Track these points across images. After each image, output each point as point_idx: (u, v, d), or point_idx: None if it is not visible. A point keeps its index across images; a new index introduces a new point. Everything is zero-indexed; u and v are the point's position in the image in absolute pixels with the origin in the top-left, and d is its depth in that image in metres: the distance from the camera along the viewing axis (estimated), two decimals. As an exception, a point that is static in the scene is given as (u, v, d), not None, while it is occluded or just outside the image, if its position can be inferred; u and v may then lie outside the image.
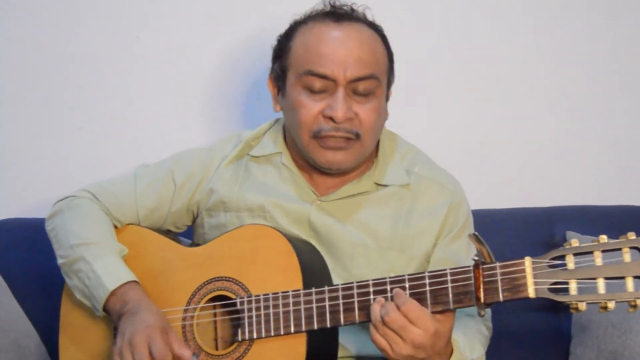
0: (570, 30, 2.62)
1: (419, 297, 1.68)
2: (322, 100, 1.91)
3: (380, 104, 1.95)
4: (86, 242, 1.93)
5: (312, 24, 1.95)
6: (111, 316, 1.89)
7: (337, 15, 1.95)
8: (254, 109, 2.58)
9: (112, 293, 1.86)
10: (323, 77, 1.89)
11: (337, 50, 1.89)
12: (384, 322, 1.66)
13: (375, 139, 1.97)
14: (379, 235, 1.96)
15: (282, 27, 2.03)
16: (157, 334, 1.76)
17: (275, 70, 1.99)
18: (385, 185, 2.00)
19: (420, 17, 2.58)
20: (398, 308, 1.66)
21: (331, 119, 1.89)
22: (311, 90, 1.91)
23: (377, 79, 1.92)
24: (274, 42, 2.03)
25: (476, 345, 1.87)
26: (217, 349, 1.88)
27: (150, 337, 1.76)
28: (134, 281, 1.88)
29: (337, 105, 1.88)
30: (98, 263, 1.89)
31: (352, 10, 1.97)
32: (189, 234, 2.14)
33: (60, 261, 1.97)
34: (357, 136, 1.92)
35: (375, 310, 1.68)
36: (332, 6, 1.97)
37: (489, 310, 1.95)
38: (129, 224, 2.05)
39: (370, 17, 1.98)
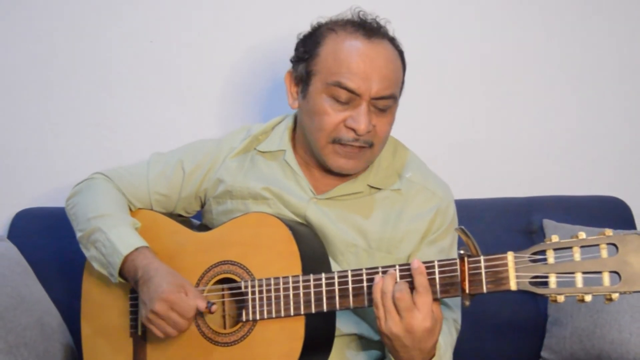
0: (544, 34, 2.62)
1: (409, 286, 1.64)
2: (346, 111, 1.85)
3: (394, 117, 1.91)
4: (102, 215, 1.92)
5: (343, 35, 1.87)
6: (128, 282, 1.88)
7: (367, 30, 1.86)
8: (261, 108, 2.56)
9: (125, 259, 1.85)
10: (350, 91, 1.83)
11: (366, 67, 1.83)
12: (393, 297, 1.63)
13: (383, 147, 1.94)
14: (369, 236, 1.91)
15: (287, 31, 2.01)
16: (174, 296, 1.76)
17: (299, 71, 1.91)
18: (378, 189, 1.95)
19: (408, 19, 2.55)
20: (412, 292, 1.63)
21: (353, 130, 1.85)
22: (336, 100, 1.85)
23: (396, 98, 1.89)
24: (294, 41, 1.95)
25: (448, 350, 1.84)
26: (225, 327, 1.86)
27: (170, 301, 1.76)
28: (145, 247, 1.87)
29: (361, 119, 1.83)
30: (112, 232, 1.88)
31: (379, 25, 1.89)
32: (198, 217, 2.12)
33: (79, 235, 1.95)
34: (371, 145, 1.88)
35: (389, 283, 1.64)
36: (361, 19, 1.89)
37: (459, 309, 1.93)
38: (141, 209, 2.04)
39: (391, 32, 1.91)
